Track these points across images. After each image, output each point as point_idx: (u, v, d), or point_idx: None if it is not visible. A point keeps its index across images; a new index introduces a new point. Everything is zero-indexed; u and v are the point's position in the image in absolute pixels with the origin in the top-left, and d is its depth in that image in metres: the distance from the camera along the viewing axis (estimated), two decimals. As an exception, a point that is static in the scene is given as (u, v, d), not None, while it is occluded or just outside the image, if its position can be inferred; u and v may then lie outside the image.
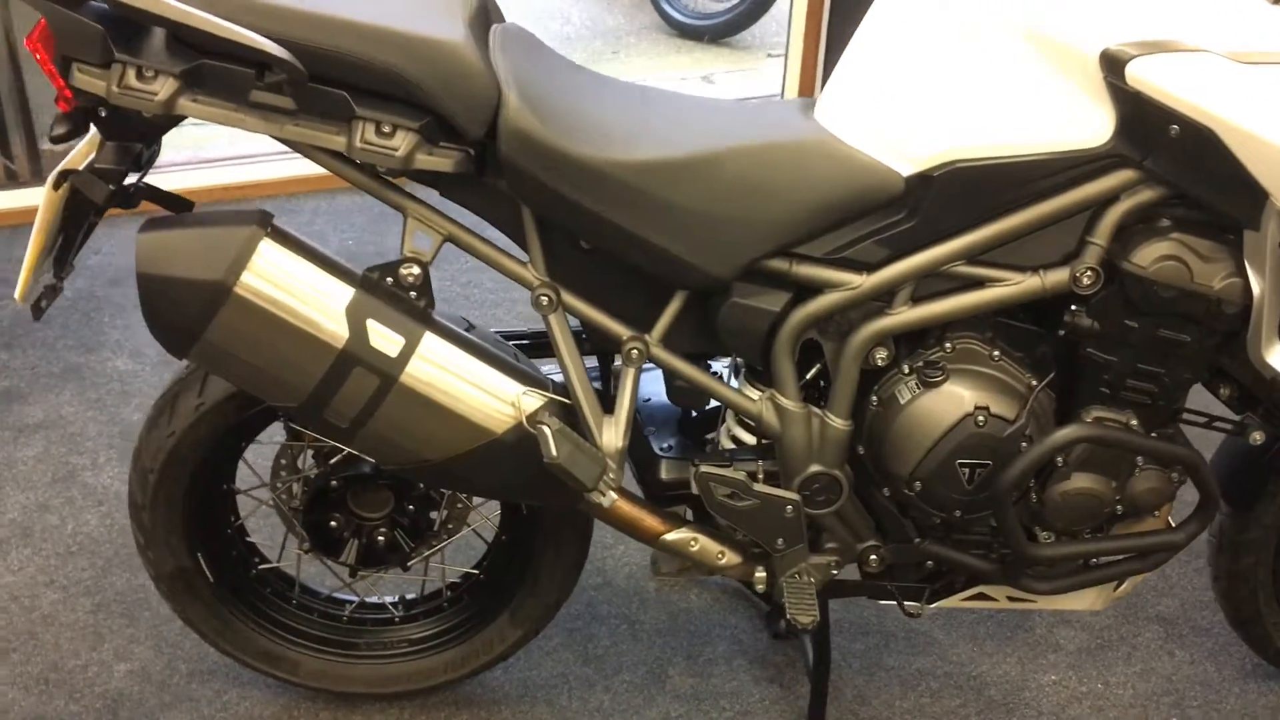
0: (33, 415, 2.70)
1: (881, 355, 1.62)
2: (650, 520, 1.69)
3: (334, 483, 1.78)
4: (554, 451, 1.49)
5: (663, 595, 2.28)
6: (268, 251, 1.50)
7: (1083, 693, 2.10)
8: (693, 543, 1.72)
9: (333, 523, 1.83)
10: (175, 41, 1.43)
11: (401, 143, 1.45)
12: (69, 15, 1.41)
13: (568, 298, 1.59)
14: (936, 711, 2.05)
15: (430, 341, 1.54)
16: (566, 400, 1.59)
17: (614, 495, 1.59)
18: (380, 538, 1.84)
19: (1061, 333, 1.58)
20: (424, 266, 1.55)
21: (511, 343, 1.78)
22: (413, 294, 1.56)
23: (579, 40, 5.33)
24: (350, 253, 3.45)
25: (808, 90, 4.33)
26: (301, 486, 1.81)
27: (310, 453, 1.81)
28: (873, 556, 1.75)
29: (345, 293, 1.52)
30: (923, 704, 2.06)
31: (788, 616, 1.67)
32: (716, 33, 5.36)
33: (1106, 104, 1.47)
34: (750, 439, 1.74)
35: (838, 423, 1.64)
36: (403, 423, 1.56)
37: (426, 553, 1.87)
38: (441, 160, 1.48)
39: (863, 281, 1.56)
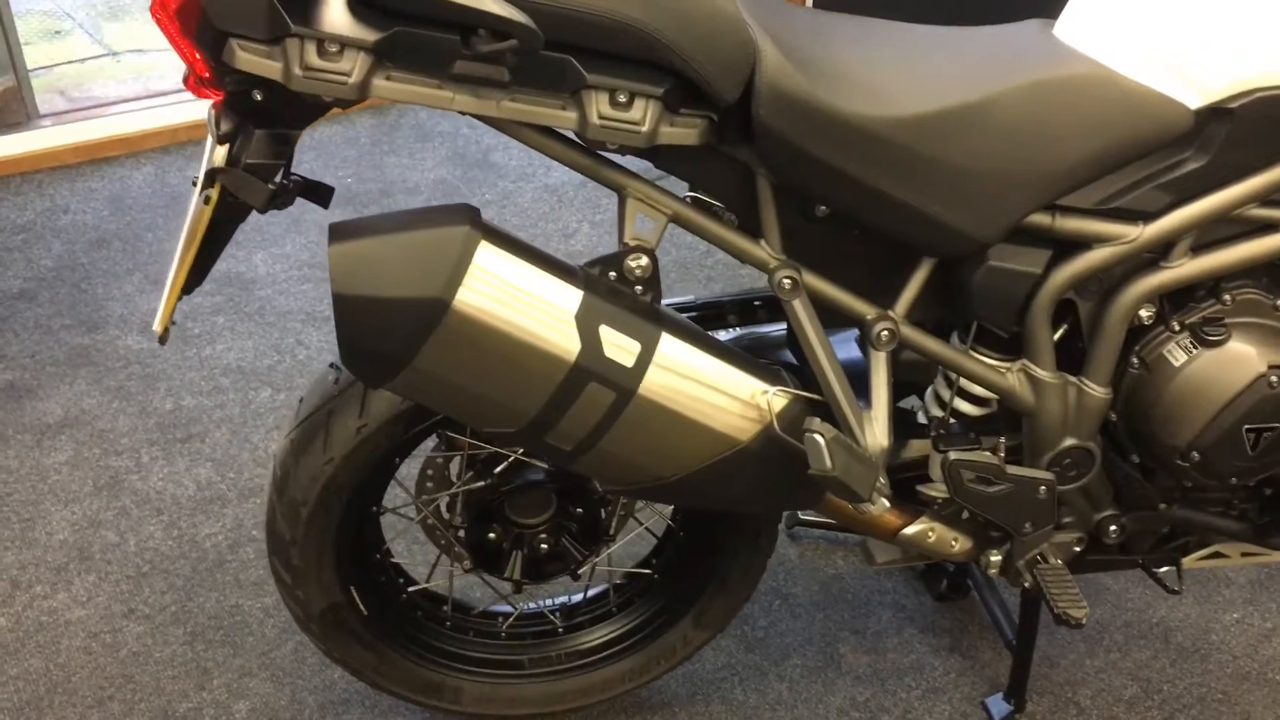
0: (51, 412, 2.38)
1: (1146, 313, 1.44)
2: (891, 516, 1.51)
3: (496, 493, 1.56)
4: (828, 463, 1.29)
5: (807, 561, 2.11)
6: (486, 257, 1.24)
7: (1268, 629, 2.01)
8: (929, 534, 1.54)
9: (491, 534, 1.61)
10: (356, 3, 1.15)
11: (644, 115, 1.20)
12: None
13: (807, 277, 1.37)
14: (1129, 666, 1.94)
15: (667, 344, 1.31)
16: (815, 397, 1.38)
17: (885, 502, 1.40)
18: (545, 546, 1.62)
19: None
20: (651, 255, 1.31)
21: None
22: (638, 288, 1.32)
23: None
24: (351, 192, 3.14)
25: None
26: (459, 499, 1.58)
27: (463, 460, 1.58)
28: (1113, 527, 1.60)
29: (573, 296, 1.27)
30: (1113, 660, 1.95)
31: (1056, 612, 1.51)
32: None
33: None
34: (974, 411, 1.55)
35: (1098, 391, 1.46)
36: (639, 439, 1.33)
37: (597, 557, 1.67)
38: (686, 131, 1.23)
39: (1139, 233, 1.38)
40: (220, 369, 2.51)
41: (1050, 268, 1.40)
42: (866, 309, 1.40)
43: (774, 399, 1.35)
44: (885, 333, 1.39)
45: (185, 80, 1.25)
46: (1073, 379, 1.47)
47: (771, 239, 1.36)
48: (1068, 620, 1.50)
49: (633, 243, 1.31)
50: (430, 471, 1.58)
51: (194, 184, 1.26)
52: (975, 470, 1.47)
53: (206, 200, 1.24)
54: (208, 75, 1.20)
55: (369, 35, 1.14)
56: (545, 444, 1.34)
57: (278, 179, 1.26)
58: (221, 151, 1.25)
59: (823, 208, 1.37)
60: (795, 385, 1.39)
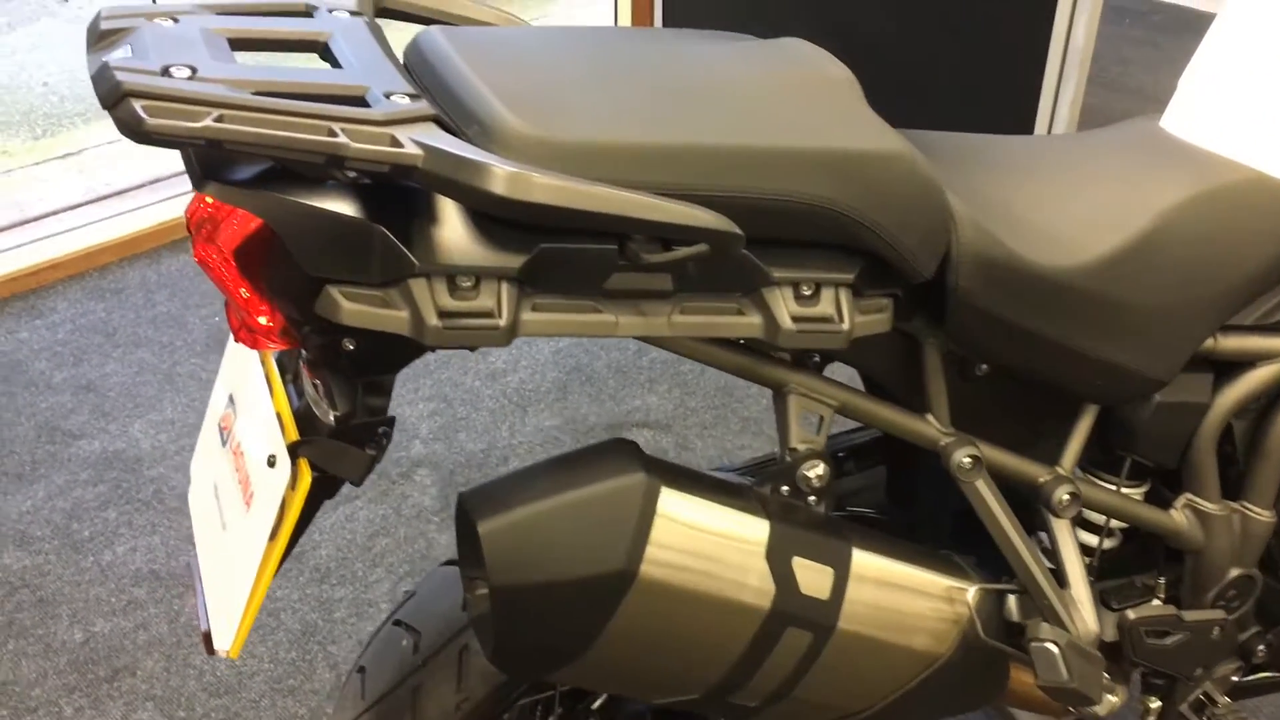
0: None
1: (1301, 423, 1.32)
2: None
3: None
4: (1064, 674, 1.10)
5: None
6: (670, 505, 0.99)
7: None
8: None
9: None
10: (483, 222, 0.88)
11: (836, 308, 0.98)
12: (333, 216, 0.84)
13: (986, 449, 1.18)
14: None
15: (859, 562, 1.09)
16: (1011, 587, 1.19)
17: (1114, 698, 1.22)
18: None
19: None
20: (825, 459, 1.09)
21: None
22: (812, 498, 1.10)
23: None
24: (222, 331, 2.77)
25: (643, 19, 3.91)
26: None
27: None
28: (1260, 646, 1.47)
29: (760, 530, 1.04)
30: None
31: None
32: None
33: None
34: (1091, 541, 1.39)
35: (1263, 515, 1.33)
36: (836, 678, 1.11)
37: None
38: (879, 318, 1.02)
39: None
40: (129, 578, 2.12)
41: (1214, 394, 1.27)
42: (1039, 471, 1.22)
43: (974, 597, 1.15)
44: (1068, 496, 1.21)
45: (234, 327, 0.95)
46: (1236, 506, 1.33)
47: (939, 411, 1.16)
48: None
49: (802, 447, 1.08)
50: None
51: (269, 464, 0.96)
52: (1153, 625, 1.32)
53: (294, 484, 0.94)
54: (279, 326, 0.92)
55: (511, 260, 0.88)
56: (729, 705, 1.09)
57: (380, 439, 0.97)
58: (284, 417, 0.96)
59: (984, 365, 1.19)
60: (975, 570, 1.20)
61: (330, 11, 0.98)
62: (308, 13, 0.97)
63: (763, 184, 0.92)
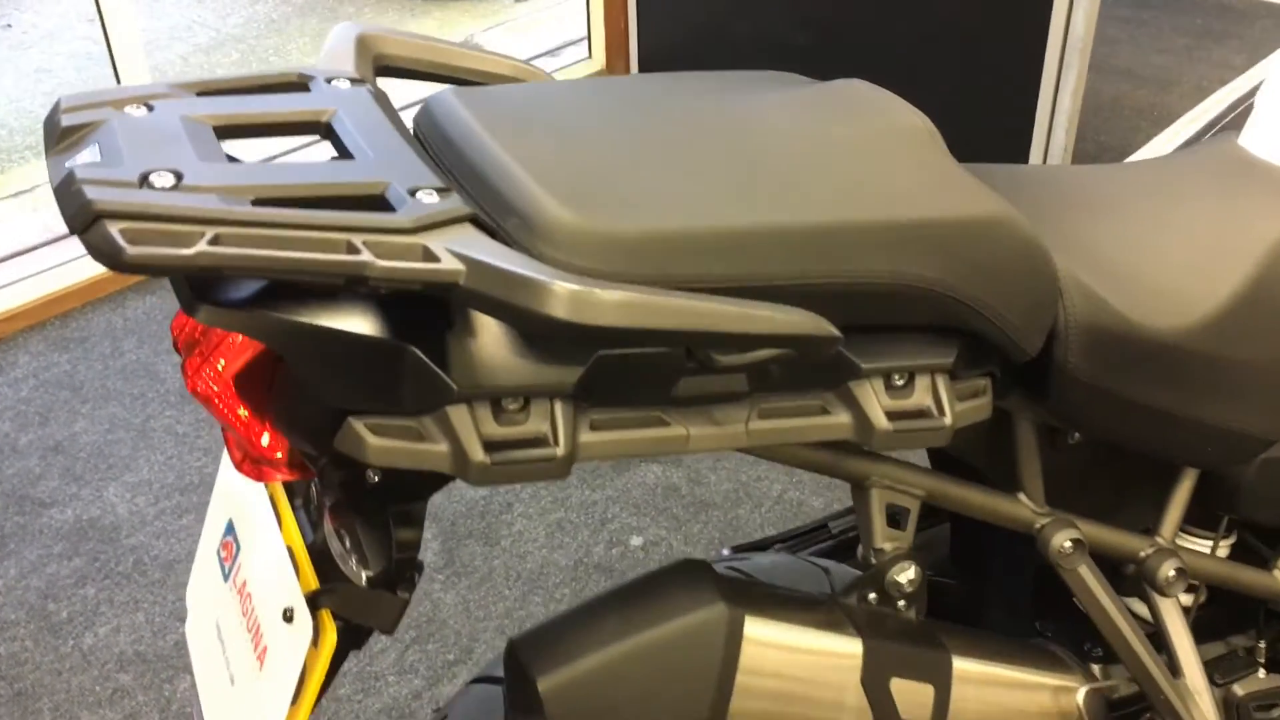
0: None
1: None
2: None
3: None
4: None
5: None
6: (756, 633, 0.86)
7: None
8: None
9: None
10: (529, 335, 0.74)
11: (932, 397, 0.85)
12: (354, 338, 0.70)
13: (1082, 526, 1.05)
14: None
15: (961, 671, 0.97)
16: (1120, 682, 1.07)
17: None
18: None
19: None
20: (915, 559, 0.96)
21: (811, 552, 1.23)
22: (902, 603, 0.97)
23: (289, 23, 4.42)
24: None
25: (615, 30, 3.77)
26: None
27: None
28: None
29: (850, 651, 0.91)
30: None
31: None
32: (443, -16, 4.62)
33: None
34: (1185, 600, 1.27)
35: (1365, 564, 1.22)
36: (939, 802, 0.98)
37: None
38: (980, 403, 0.89)
39: None
40: (114, 662, 1.97)
41: (1313, 440, 1.14)
42: (1140, 544, 1.10)
43: (1088, 697, 1.03)
44: (1174, 572, 1.09)
45: (235, 459, 0.81)
46: (1335, 556, 1.21)
47: (1034, 490, 1.03)
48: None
49: (889, 547, 0.95)
50: None
51: (285, 618, 0.82)
52: (1264, 700, 1.20)
53: (316, 641, 0.80)
54: (289, 454, 0.77)
55: (565, 374, 0.74)
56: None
57: (412, 578, 0.83)
58: (302, 562, 0.82)
59: (1077, 434, 1.06)
60: (1076, 661, 1.07)
61: (329, 82, 0.83)
62: (303, 85, 0.83)
63: (854, 266, 0.78)
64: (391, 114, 0.80)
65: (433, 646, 1.98)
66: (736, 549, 1.32)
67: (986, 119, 3.05)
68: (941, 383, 0.85)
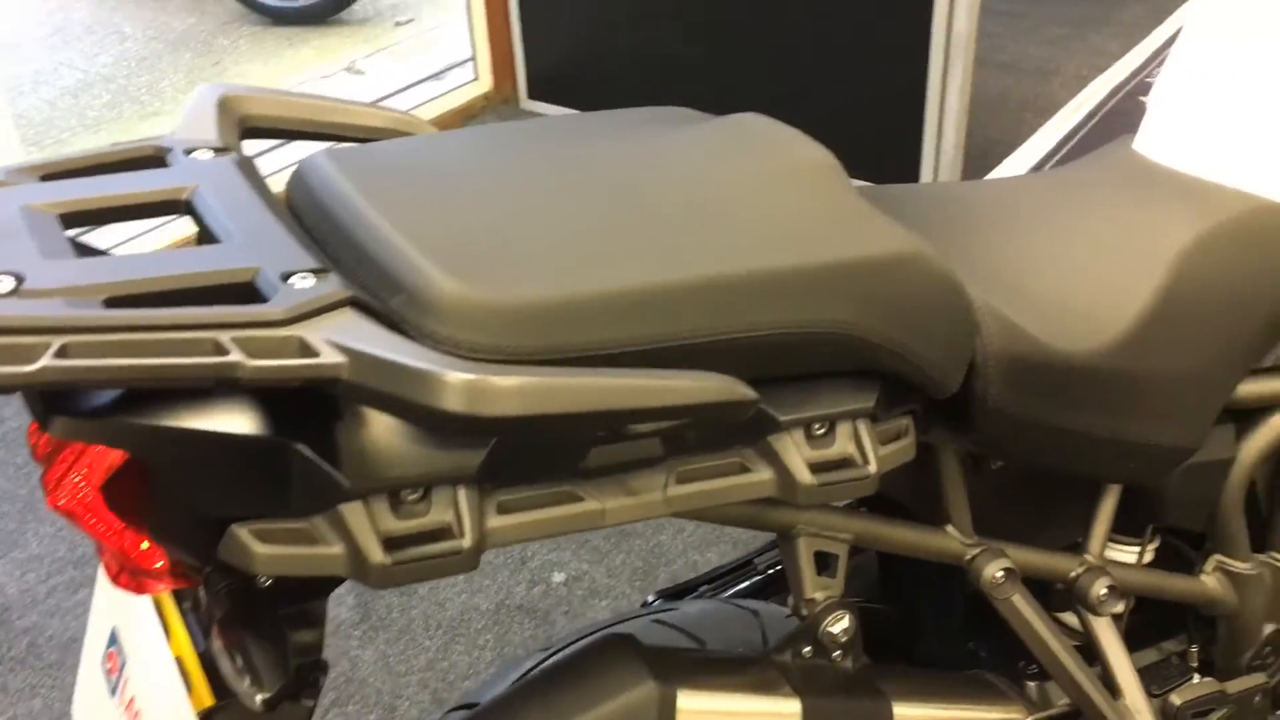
0: None
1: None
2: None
3: None
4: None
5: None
6: (690, 705, 0.81)
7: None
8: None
9: None
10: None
11: (855, 445, 0.81)
12: (229, 439, 0.64)
13: (1011, 552, 1.03)
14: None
15: (904, 718, 0.93)
16: (1061, 710, 1.04)
17: None
18: None
19: None
20: (849, 607, 0.92)
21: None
22: (838, 654, 0.93)
23: (160, 59, 4.28)
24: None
25: (501, 49, 3.71)
26: None
27: None
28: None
29: (789, 710, 0.87)
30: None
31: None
32: (321, 11, 4.51)
33: None
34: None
35: (1294, 564, 1.22)
36: None
37: None
38: (904, 445, 0.86)
39: None
40: (13, 756, 1.86)
41: (1238, 446, 1.14)
42: (1070, 564, 1.08)
43: (1034, 736, 1.00)
44: (1105, 590, 1.07)
45: (110, 573, 0.74)
46: (1265, 559, 1.21)
47: (962, 521, 1.00)
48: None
49: (821, 597, 0.91)
50: None
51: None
52: (1199, 706, 1.19)
53: None
54: (168, 565, 0.71)
55: (467, 458, 0.69)
56: None
57: (317, 683, 0.77)
58: (195, 676, 0.75)
59: (999, 461, 1.03)
60: (1016, 691, 1.05)
61: (188, 154, 0.77)
62: (160, 159, 0.76)
63: (764, 318, 0.74)
64: (260, 185, 0.74)
65: (353, 708, 1.90)
66: (662, 594, 1.27)
67: (876, 121, 3.05)
68: (864, 428, 0.81)
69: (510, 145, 0.86)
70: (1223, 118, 1.14)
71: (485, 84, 3.85)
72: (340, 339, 0.61)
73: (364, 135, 0.92)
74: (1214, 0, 1.19)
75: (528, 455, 0.71)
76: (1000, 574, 1.00)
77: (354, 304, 0.64)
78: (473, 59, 3.87)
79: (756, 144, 0.88)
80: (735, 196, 0.81)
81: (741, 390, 0.68)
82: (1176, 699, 1.17)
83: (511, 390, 0.60)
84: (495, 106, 3.83)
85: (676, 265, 0.73)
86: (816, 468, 0.79)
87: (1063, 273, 1.00)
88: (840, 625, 0.91)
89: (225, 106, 0.85)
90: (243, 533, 0.66)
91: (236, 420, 0.64)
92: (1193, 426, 1.05)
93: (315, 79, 4.02)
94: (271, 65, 4.20)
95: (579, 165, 0.83)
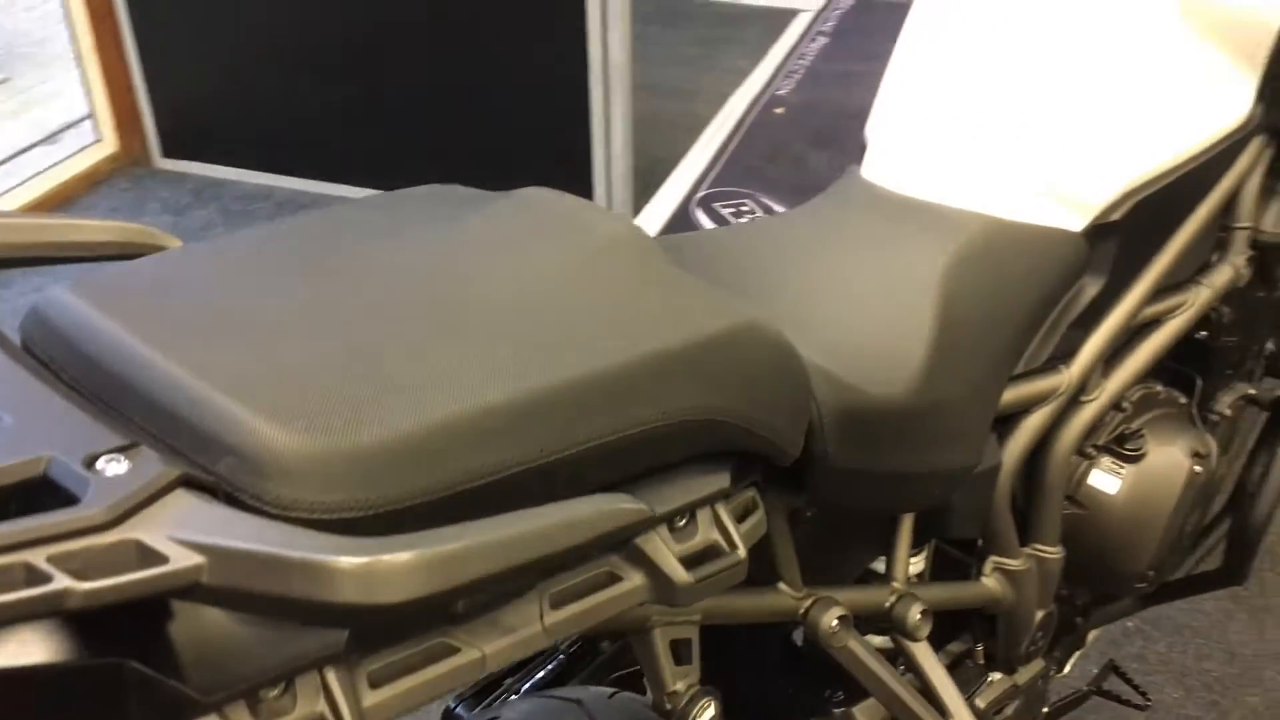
0: None
1: (1063, 452, 1.29)
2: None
3: None
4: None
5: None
6: None
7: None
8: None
9: None
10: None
11: (719, 531, 0.77)
12: (49, 669, 0.51)
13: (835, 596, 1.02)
14: None
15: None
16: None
17: None
18: None
19: (1203, 334, 1.38)
20: (714, 694, 0.87)
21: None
22: (709, 748, 0.88)
23: None
24: None
25: (124, 104, 3.41)
26: None
27: None
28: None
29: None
30: None
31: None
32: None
33: (1253, 76, 1.25)
34: None
35: (1054, 553, 1.29)
36: None
37: None
38: (757, 517, 0.82)
39: (1066, 377, 1.21)
40: None
41: (1001, 451, 1.19)
42: (882, 594, 1.08)
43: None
44: (919, 615, 1.08)
45: None
46: (1029, 551, 1.28)
47: (792, 576, 0.98)
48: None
49: (683, 687, 0.86)
50: None
51: None
52: (1000, 703, 1.23)
53: None
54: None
55: (332, 637, 0.58)
56: None
57: None
58: None
59: (812, 509, 1.02)
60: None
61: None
62: None
63: (621, 418, 0.68)
64: (10, 349, 0.60)
65: None
66: (462, 699, 1.18)
67: (547, 149, 3.05)
68: (723, 511, 0.77)
69: (285, 253, 0.75)
70: (939, 141, 1.18)
71: (110, 144, 3.52)
72: (186, 534, 0.49)
73: (94, 254, 0.78)
74: (920, 29, 1.24)
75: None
76: (835, 622, 0.98)
77: (186, 483, 0.53)
78: (91, 116, 3.53)
79: (558, 225, 0.81)
80: (556, 289, 0.74)
81: (636, 507, 0.62)
82: (980, 702, 1.21)
83: (413, 567, 0.50)
84: (125, 169, 3.51)
85: (521, 374, 0.66)
86: (688, 562, 0.74)
87: (852, 316, 1.00)
88: (708, 715, 0.86)
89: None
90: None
91: (49, 646, 0.51)
92: (978, 443, 1.08)
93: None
94: None
95: (373, 272, 0.73)
